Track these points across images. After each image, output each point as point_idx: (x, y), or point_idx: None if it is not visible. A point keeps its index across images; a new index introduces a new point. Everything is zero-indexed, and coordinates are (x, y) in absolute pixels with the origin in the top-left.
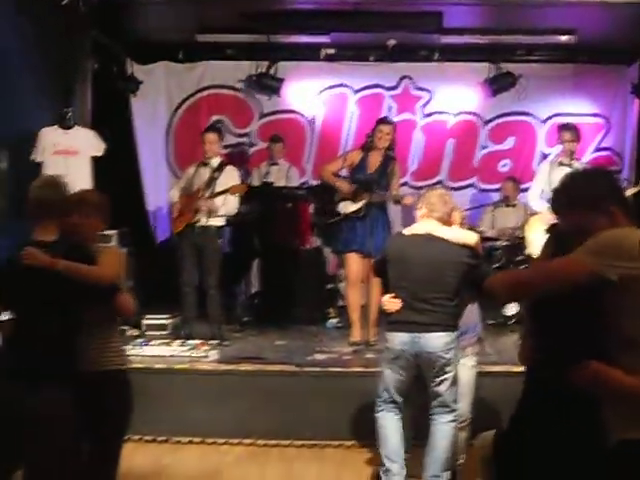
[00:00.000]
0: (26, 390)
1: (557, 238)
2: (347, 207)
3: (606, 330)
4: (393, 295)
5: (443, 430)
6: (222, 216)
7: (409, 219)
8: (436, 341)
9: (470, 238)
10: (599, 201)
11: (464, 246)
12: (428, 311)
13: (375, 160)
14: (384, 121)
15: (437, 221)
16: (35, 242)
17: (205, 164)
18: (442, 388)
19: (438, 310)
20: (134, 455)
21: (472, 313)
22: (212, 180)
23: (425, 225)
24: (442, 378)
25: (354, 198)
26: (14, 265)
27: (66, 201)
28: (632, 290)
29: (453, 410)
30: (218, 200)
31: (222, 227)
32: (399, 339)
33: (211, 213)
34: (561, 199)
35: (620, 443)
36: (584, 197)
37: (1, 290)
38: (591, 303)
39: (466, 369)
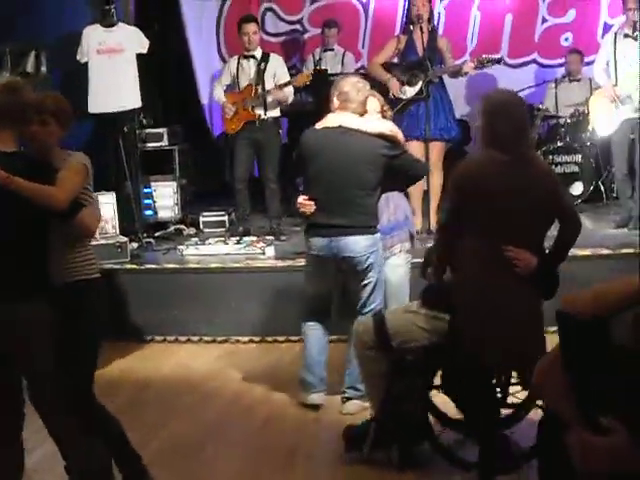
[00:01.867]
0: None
1: None
2: (408, 92)
3: None
4: (307, 197)
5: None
6: (278, 107)
7: (472, 94)
8: (356, 245)
9: (385, 127)
10: None
11: (380, 136)
12: (346, 212)
13: (420, 39)
14: None
15: (352, 112)
16: None
17: (247, 57)
18: (364, 294)
19: (357, 210)
20: (195, 356)
21: (400, 208)
22: (260, 73)
23: (338, 117)
24: (364, 283)
25: (410, 82)
26: None
27: (25, 107)
28: None
29: (372, 311)
30: (287, 90)
31: (279, 118)
32: (319, 244)
33: (280, 104)
34: None
35: None
36: None
37: None
38: None
39: (395, 269)
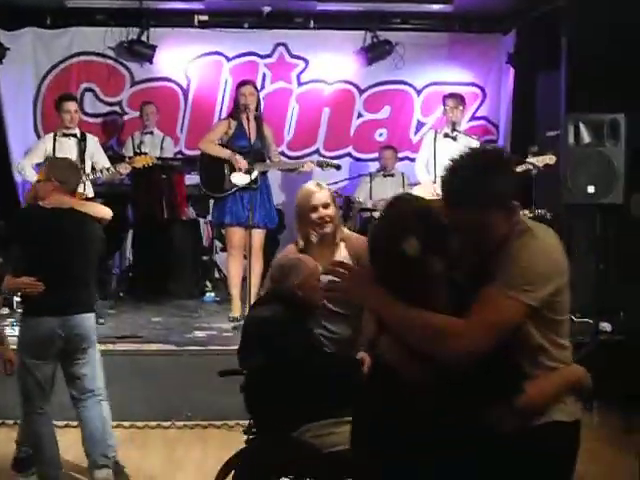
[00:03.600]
0: None
1: None
2: (240, 179)
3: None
4: (34, 278)
5: (96, 410)
6: (89, 187)
7: (288, 184)
8: (87, 322)
9: (108, 212)
10: (501, 197)
11: (100, 220)
12: (76, 290)
13: (250, 126)
14: (244, 82)
15: (68, 193)
16: None
17: (66, 135)
18: (88, 370)
19: (84, 289)
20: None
21: None
22: (82, 152)
23: (59, 198)
24: (86, 360)
25: (248, 170)
26: None
27: None
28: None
29: (99, 388)
30: (123, 169)
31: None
32: (47, 324)
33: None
34: (450, 192)
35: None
36: (481, 194)
37: None
38: None
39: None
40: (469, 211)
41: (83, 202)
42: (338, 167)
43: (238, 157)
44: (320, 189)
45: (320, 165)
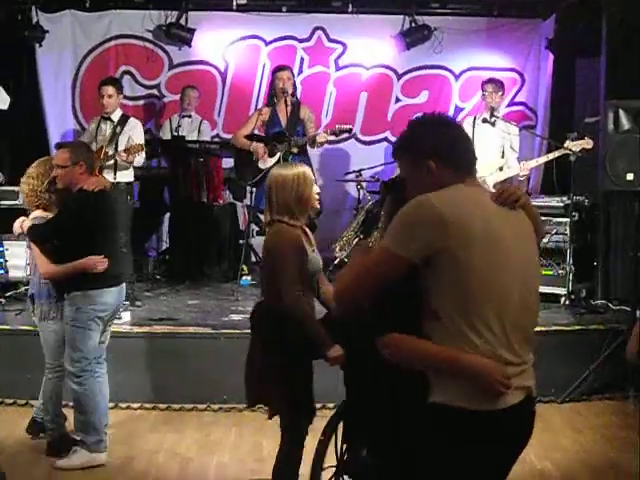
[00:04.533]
0: None
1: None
2: (267, 163)
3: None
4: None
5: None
6: (132, 172)
7: (326, 168)
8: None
9: None
10: (418, 153)
11: None
12: (124, 261)
13: (283, 111)
14: (281, 68)
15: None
16: None
17: (106, 119)
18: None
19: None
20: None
21: None
22: (114, 135)
23: (96, 180)
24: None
25: (271, 153)
26: None
27: None
28: (436, 265)
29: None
30: (137, 153)
31: (131, 183)
32: (114, 295)
33: (120, 169)
34: (395, 146)
35: (428, 406)
36: (408, 147)
37: None
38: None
39: None
40: (403, 162)
41: None
42: (350, 130)
43: (255, 145)
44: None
45: (334, 133)
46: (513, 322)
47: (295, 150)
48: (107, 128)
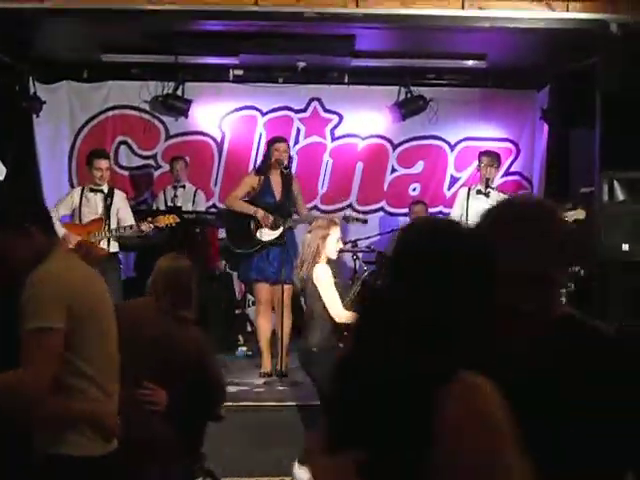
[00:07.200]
0: None
1: None
2: (266, 235)
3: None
4: None
5: None
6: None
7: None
8: None
9: None
10: (14, 218)
11: None
12: None
13: (277, 182)
14: (279, 139)
15: None
16: None
17: (94, 190)
18: None
19: None
20: None
21: None
22: (107, 207)
23: None
24: None
25: (273, 226)
26: None
27: None
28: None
29: None
30: (145, 227)
31: (116, 253)
32: None
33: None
34: None
35: (47, 458)
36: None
37: None
38: None
39: None
40: None
41: None
42: (365, 221)
43: (262, 213)
44: None
45: (346, 219)
46: None
47: (295, 227)
48: (98, 199)
